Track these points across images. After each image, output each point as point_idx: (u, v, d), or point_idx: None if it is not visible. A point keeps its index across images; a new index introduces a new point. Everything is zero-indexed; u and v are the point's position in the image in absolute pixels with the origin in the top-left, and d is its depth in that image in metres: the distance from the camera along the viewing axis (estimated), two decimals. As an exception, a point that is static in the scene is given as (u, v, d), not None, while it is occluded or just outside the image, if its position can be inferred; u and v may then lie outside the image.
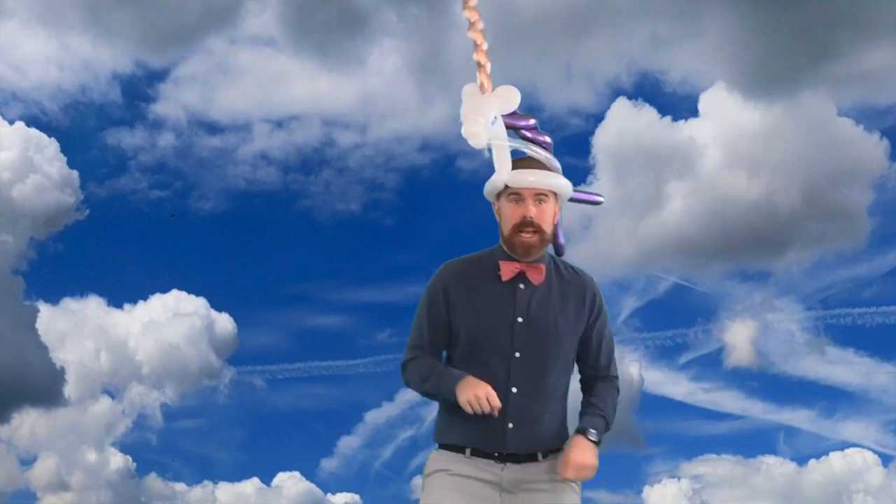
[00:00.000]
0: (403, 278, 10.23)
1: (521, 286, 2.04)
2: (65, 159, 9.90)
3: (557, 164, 2.07)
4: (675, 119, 10.24)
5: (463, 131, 1.89)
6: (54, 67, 10.31)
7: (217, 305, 10.09)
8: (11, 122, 9.90)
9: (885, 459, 9.43)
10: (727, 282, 10.58)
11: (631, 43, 10.46)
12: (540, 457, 2.05)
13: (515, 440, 2.03)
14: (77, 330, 10.00)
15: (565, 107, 10.20)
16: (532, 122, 2.03)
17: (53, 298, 10.18)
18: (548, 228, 2.02)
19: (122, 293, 10.92)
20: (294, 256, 10.75)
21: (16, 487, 9.27)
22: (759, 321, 10.08)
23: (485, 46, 1.94)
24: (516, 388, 2.02)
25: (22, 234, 9.70)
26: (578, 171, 10.37)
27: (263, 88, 10.86)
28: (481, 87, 1.93)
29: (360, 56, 10.51)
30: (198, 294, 10.15)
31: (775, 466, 9.66)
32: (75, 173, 9.89)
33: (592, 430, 2.01)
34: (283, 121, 10.47)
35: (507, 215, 2.04)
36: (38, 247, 9.97)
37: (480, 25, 1.95)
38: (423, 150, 10.37)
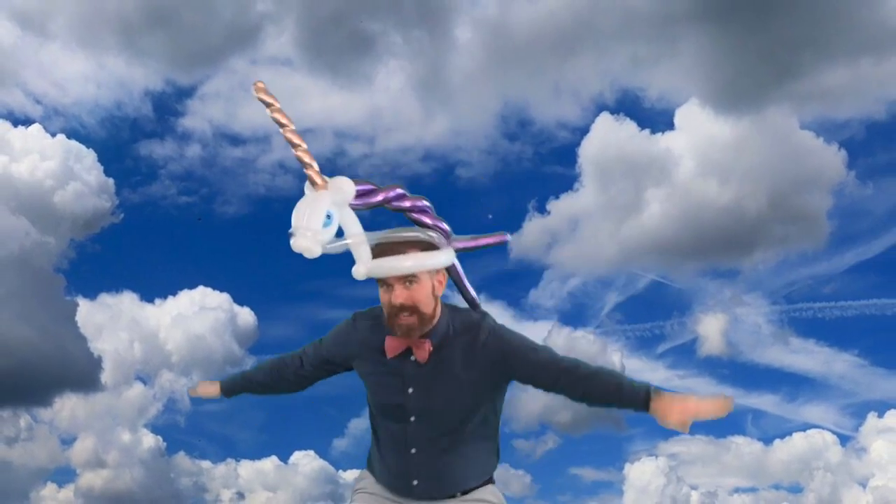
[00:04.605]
0: (407, 275, 10.66)
1: (412, 358, 1.90)
2: (101, 168, 10.06)
3: (433, 232, 1.84)
4: (653, 132, 10.41)
5: (292, 246, 1.71)
6: (92, 85, 10.52)
7: (239, 300, 10.19)
8: (53, 135, 10.05)
9: (843, 439, 9.63)
10: (700, 279, 10.80)
11: (613, 63, 10.65)
12: (459, 494, 2.00)
13: (422, 493, 1.99)
14: (113, 322, 10.15)
15: (554, 121, 10.42)
16: (397, 191, 1.82)
17: (91, 294, 10.36)
18: (426, 307, 1.83)
19: (153, 289, 10.72)
20: (309, 256, 11.09)
21: (57, 465, 9.47)
22: (729, 314, 10.26)
23: (304, 145, 1.72)
24: (415, 448, 1.94)
25: (63, 235, 9.86)
26: (565, 180, 10.50)
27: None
28: (313, 183, 1.73)
29: (368, 75, 10.73)
30: (222, 290, 10.23)
31: (744, 446, 9.85)
32: (111, 181, 10.04)
33: (653, 387, 1.84)
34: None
35: (381, 300, 1.87)
36: (78, 247, 10.14)
37: (291, 126, 1.72)
38: (426, 160, 10.49)
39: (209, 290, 10.27)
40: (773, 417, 10.16)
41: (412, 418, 1.93)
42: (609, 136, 10.18)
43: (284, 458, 9.62)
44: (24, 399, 9.83)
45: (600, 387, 1.89)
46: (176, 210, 10.42)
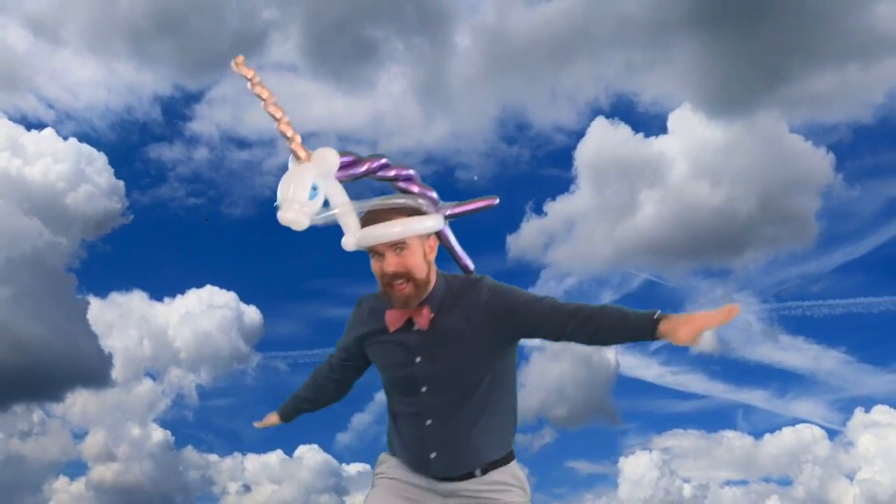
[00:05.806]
0: (408, 275, 10.79)
1: (414, 328, 1.87)
2: (112, 171, 10.16)
3: (419, 199, 1.81)
4: (647, 135, 10.53)
5: (279, 219, 1.69)
6: (103, 90, 10.68)
7: (246, 299, 10.32)
8: (66, 138, 10.19)
9: (831, 434, 9.75)
10: (692, 278, 10.83)
11: (608, 69, 10.81)
12: (478, 472, 1.94)
13: (440, 467, 1.93)
14: (123, 320, 10.28)
15: (551, 125, 10.57)
16: (381, 161, 1.78)
17: (102, 293, 10.53)
18: (419, 273, 1.80)
19: (162, 288, 11.03)
20: (313, 256, 10.51)
21: (69, 458, 9.64)
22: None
23: (286, 119, 1.72)
24: (430, 419, 1.91)
25: (75, 236, 9.99)
26: (562, 182, 10.51)
27: (286, 108, 10.88)
28: (296, 157, 1.72)
29: (371, 80, 10.86)
30: (229, 289, 10.36)
31: (734, 440, 9.97)
32: (121, 183, 10.13)
33: (659, 311, 1.77)
34: (303, 137, 9.50)
35: (373, 271, 1.83)
36: (89, 247, 10.29)
37: (273, 99, 1.73)
38: (426, 163, 10.38)
39: (216, 288, 10.43)
40: (764, 412, 10.27)
41: (423, 388, 1.89)
42: (604, 140, 10.30)
43: (289, 451, 9.75)
44: (36, 394, 10.05)
45: (608, 322, 1.82)
46: (184, 211, 10.53)
